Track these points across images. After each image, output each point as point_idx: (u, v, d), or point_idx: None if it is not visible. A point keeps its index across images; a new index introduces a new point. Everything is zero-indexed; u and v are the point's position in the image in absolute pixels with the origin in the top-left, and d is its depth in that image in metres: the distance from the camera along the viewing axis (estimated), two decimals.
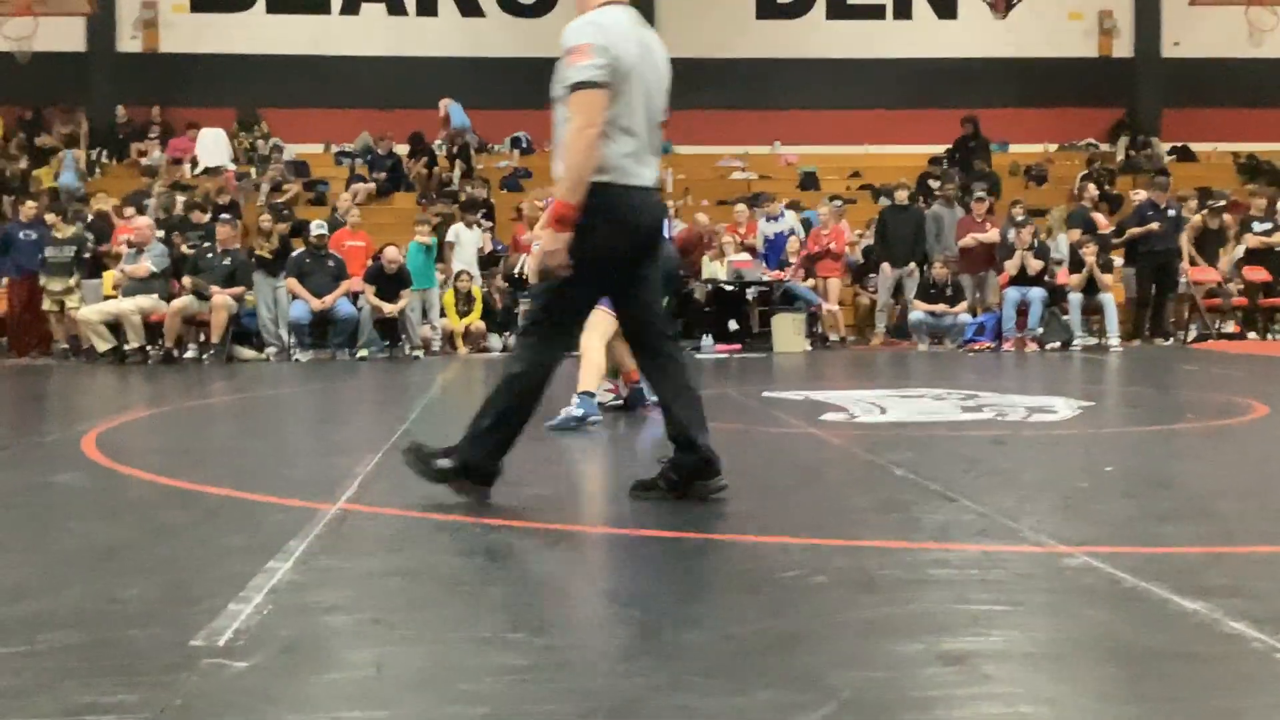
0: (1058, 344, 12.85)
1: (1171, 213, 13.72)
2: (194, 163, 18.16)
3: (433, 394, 8.73)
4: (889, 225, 14.41)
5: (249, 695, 2.03)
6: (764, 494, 4.24)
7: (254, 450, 5.64)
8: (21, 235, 13.39)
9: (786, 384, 9.08)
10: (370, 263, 13.13)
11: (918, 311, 13.57)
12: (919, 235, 14.28)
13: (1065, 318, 13.07)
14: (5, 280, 13.86)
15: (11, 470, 4.85)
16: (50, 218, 13.41)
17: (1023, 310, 13.17)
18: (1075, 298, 13.00)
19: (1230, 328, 14.35)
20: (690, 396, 3.81)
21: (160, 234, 12.99)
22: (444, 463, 3.82)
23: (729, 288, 13.87)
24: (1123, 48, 20.73)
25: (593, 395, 6.07)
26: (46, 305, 13.18)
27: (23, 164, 17.89)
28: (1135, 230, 13.70)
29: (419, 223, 13.83)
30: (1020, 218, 13.88)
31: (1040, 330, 13.02)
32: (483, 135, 19.83)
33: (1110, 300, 13.03)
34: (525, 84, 20.02)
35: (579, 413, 5.92)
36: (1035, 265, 12.96)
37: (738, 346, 13.37)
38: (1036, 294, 13.02)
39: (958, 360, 11.72)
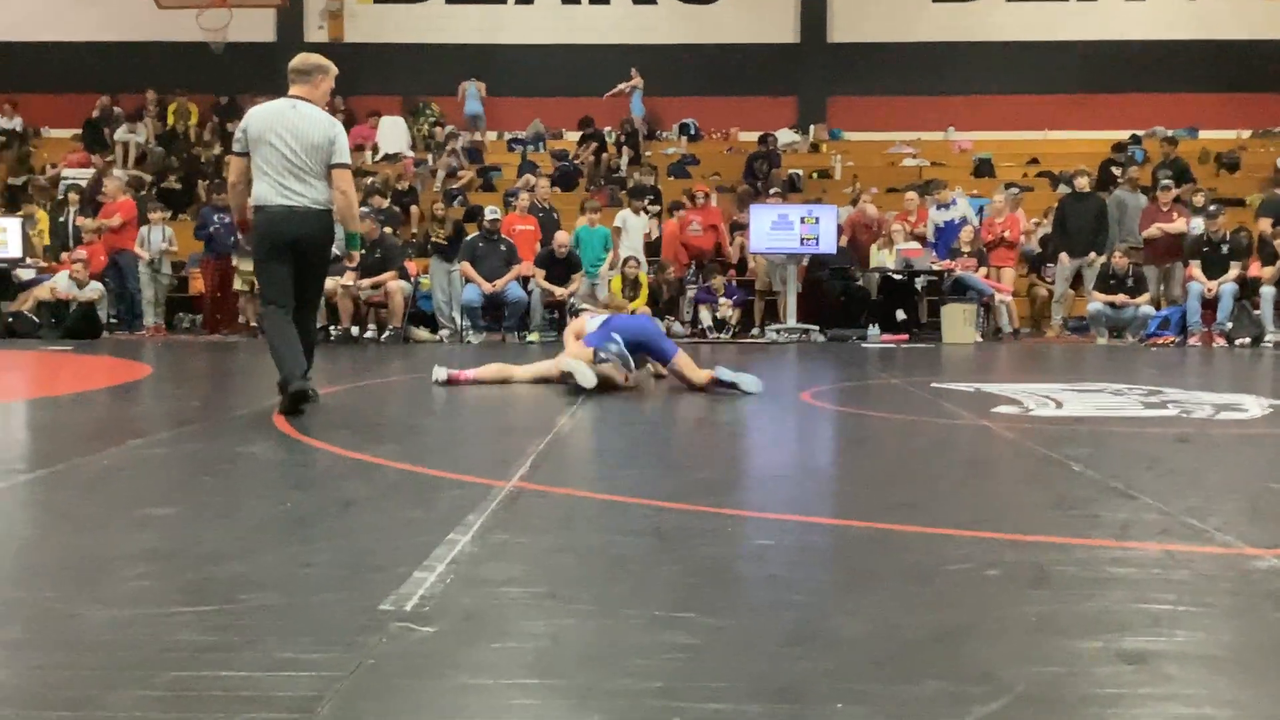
0: (1248, 340, 12.25)
1: None
2: (375, 149, 18.83)
3: None
4: (1068, 214, 13.96)
5: (435, 659, 2.13)
6: (933, 486, 4.19)
7: (430, 428, 5.84)
8: (216, 219, 14.12)
9: (956, 375, 8.91)
10: (540, 248, 13.40)
11: (1096, 303, 13.11)
12: (1100, 224, 13.78)
13: (1256, 312, 12.45)
14: (200, 261, 14.68)
15: (208, 441, 5.14)
16: None
17: (1210, 304, 12.60)
18: (1268, 291, 12.37)
19: None
20: (302, 345, 5.91)
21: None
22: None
23: (897, 277, 13.66)
24: None
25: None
26: (238, 285, 13.89)
27: (216, 150, 18.85)
28: None
29: (588, 209, 14.04)
30: (1213, 207, 13.27)
31: (1229, 325, 12.43)
32: (651, 122, 19.99)
33: None
34: (694, 70, 20.19)
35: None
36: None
37: (904, 337, 13.17)
38: (1227, 288, 12.44)
39: (1139, 355, 11.29)
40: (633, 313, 7.58)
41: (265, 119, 5.98)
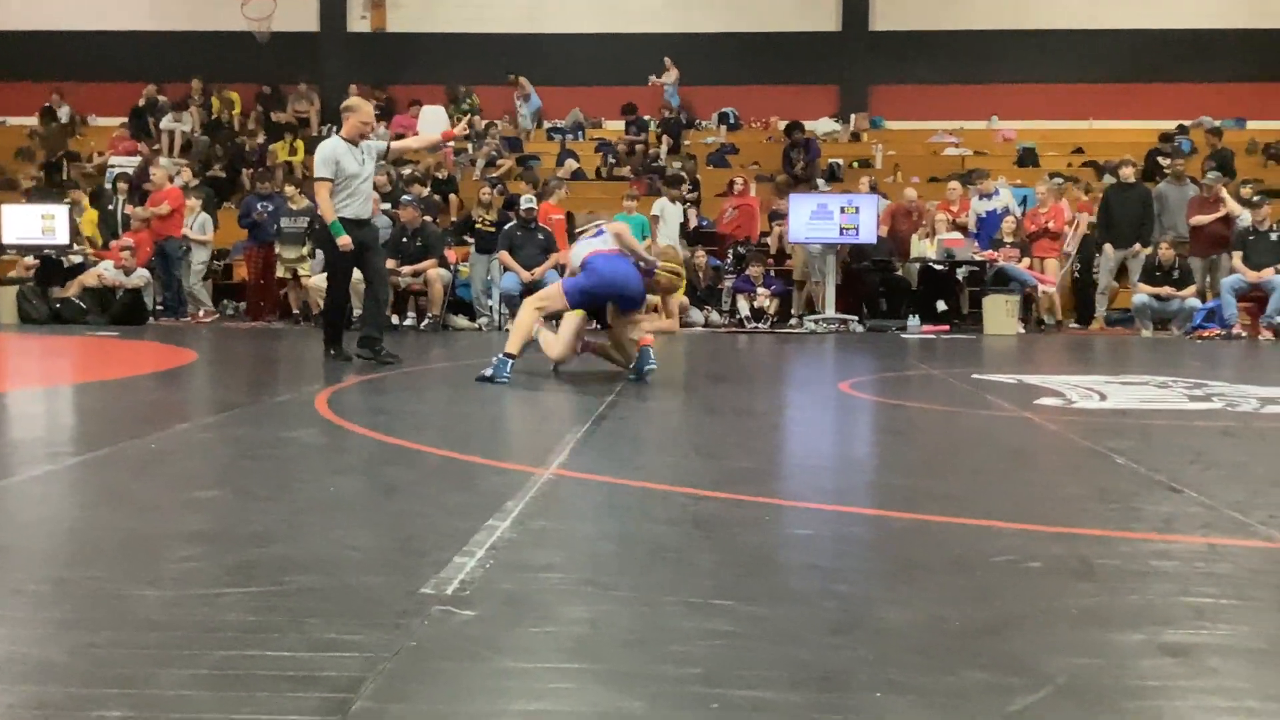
0: None
1: None
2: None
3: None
4: (1113, 204, 13.80)
5: (476, 642, 2.15)
6: (975, 477, 4.17)
7: (470, 415, 5.87)
8: (259, 206, 14.23)
9: (998, 367, 8.84)
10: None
11: (1141, 295, 12.96)
12: (1145, 215, 13.61)
13: None
14: (244, 249, 14.80)
15: (253, 426, 5.20)
16: (287, 190, 14.19)
17: (1258, 297, 12.43)
18: None
19: None
20: (372, 309, 8.32)
21: (385, 206, 13.57)
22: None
23: (938, 267, 13.56)
24: None
25: (510, 358, 6.75)
26: (280, 272, 13.99)
27: (260, 139, 18.99)
28: None
29: (627, 197, 14.05)
30: (1256, 198, 13.08)
31: (1277, 318, 12.26)
32: (691, 111, 19.94)
33: None
34: (733, 59, 20.10)
35: (488, 372, 6.70)
36: None
37: (945, 328, 13.09)
38: (1278, 280, 12.26)
39: (1184, 347, 11.16)
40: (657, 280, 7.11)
41: None
